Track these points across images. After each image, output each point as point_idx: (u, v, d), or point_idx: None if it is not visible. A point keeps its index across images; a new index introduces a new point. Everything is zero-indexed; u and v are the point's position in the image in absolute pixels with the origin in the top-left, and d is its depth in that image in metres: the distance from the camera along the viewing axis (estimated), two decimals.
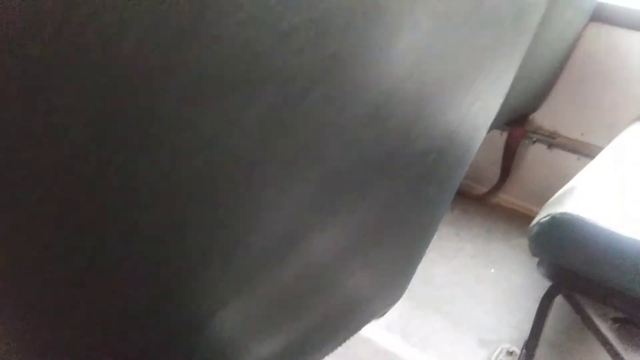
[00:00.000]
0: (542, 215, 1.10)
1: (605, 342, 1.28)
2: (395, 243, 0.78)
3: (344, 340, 0.90)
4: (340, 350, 1.27)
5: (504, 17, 0.54)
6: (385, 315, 1.39)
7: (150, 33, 0.23)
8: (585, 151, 1.70)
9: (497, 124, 1.59)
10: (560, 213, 1.06)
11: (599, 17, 1.58)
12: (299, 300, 0.67)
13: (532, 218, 1.11)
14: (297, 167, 0.41)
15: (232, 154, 0.33)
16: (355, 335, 1.29)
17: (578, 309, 1.28)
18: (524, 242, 1.15)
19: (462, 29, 0.48)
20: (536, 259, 1.17)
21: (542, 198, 1.20)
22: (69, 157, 0.25)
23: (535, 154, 1.83)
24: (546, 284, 1.21)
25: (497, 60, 0.60)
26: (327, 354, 0.89)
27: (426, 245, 0.88)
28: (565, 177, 1.26)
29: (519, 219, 1.83)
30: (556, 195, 1.17)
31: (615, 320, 1.47)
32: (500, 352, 1.37)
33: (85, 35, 0.22)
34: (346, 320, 0.85)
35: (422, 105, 0.52)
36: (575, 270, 1.12)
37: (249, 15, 0.27)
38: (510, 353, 1.38)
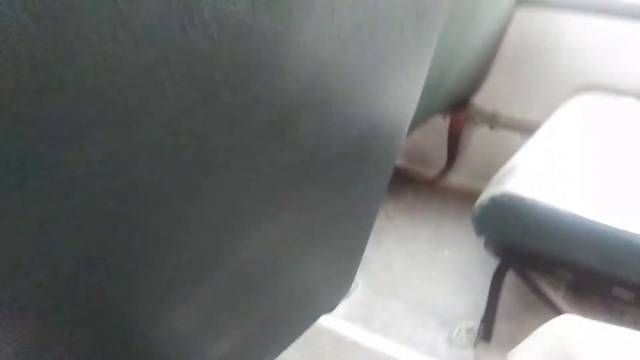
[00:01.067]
0: (484, 196, 1.14)
1: (557, 311, 1.33)
2: (334, 239, 0.80)
3: (298, 335, 0.92)
4: (301, 343, 1.29)
5: (401, 22, 0.56)
6: (345, 305, 1.42)
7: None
8: (528, 128, 1.75)
9: (439, 110, 1.62)
10: (500, 193, 1.10)
11: (525, 0, 1.64)
12: (242, 302, 0.69)
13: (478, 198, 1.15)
14: (202, 191, 0.43)
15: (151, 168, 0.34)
16: (316, 327, 1.32)
17: (528, 282, 1.32)
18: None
19: (356, 37, 0.50)
20: (481, 237, 1.21)
21: (489, 177, 1.24)
22: None
23: (478, 136, 1.88)
24: (496, 260, 1.25)
25: (404, 60, 0.62)
26: (282, 349, 0.91)
27: (366, 238, 0.90)
28: (509, 155, 1.30)
29: (469, 199, 1.86)
30: (496, 175, 1.20)
31: (568, 287, 1.53)
32: (459, 330, 1.41)
33: None
34: (295, 315, 0.87)
35: (328, 112, 0.53)
36: (520, 246, 1.16)
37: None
38: (469, 329, 1.42)
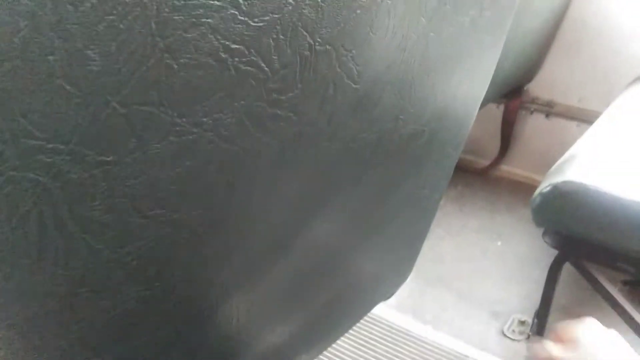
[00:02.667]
0: (544, 185, 1.10)
1: (615, 305, 1.29)
2: (398, 224, 0.79)
3: (355, 323, 0.92)
4: (352, 331, 1.28)
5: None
6: (396, 295, 1.41)
7: None
8: (584, 117, 1.69)
9: (493, 98, 1.59)
10: (562, 181, 1.06)
11: None
12: (306, 287, 0.68)
13: (535, 188, 1.11)
14: (287, 162, 0.42)
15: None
16: (367, 317, 1.31)
17: (586, 275, 1.28)
18: (528, 212, 1.15)
19: (438, 11, 0.49)
20: (541, 229, 1.17)
21: (544, 167, 1.20)
22: None
23: (533, 124, 1.82)
24: (553, 252, 1.21)
25: (480, 39, 0.60)
26: (339, 336, 0.90)
27: (429, 224, 0.88)
28: (565, 145, 1.26)
29: (522, 189, 1.84)
30: (557, 163, 1.17)
31: (624, 282, 1.48)
32: (512, 322, 1.38)
33: None
34: (355, 302, 0.86)
35: (408, 90, 0.52)
36: (581, 237, 1.12)
37: None
38: (522, 322, 1.39)
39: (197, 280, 0.40)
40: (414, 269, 1.47)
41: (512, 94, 1.74)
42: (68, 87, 0.23)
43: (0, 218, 0.24)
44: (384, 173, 0.61)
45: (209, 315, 0.46)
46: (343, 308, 0.83)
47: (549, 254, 1.23)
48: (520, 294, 1.45)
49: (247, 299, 0.53)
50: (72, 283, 0.29)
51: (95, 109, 0.24)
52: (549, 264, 1.24)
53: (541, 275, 1.26)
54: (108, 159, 0.26)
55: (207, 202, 0.34)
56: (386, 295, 0.96)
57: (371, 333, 1.31)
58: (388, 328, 1.33)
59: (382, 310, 1.36)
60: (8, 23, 0.20)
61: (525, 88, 1.76)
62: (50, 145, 0.24)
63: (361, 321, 1.24)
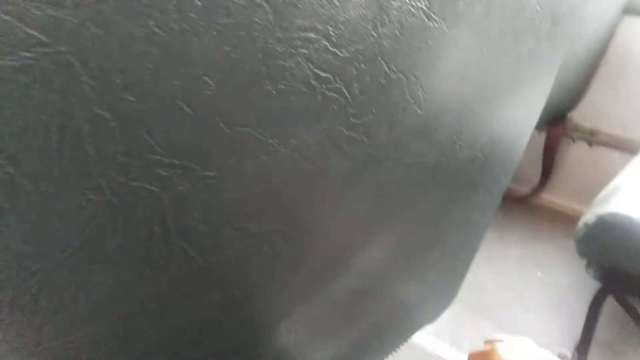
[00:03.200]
0: (589, 215, 1.09)
1: None
2: (446, 249, 0.80)
3: (399, 345, 0.92)
4: (392, 356, 1.28)
5: (538, 27, 0.56)
6: (435, 322, 1.40)
7: None
8: (628, 147, 1.67)
9: (536, 124, 1.58)
10: (609, 213, 1.05)
11: (633, 9, 1.57)
12: (357, 306, 0.70)
13: (577, 218, 1.10)
14: (355, 182, 0.44)
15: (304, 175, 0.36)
16: (406, 342, 1.30)
17: (630, 310, 1.26)
18: (569, 243, 1.14)
19: (499, 41, 0.51)
20: (584, 260, 1.16)
21: (586, 197, 1.19)
22: None
23: (576, 153, 1.81)
24: (595, 285, 1.20)
25: (536, 68, 0.62)
26: (384, 357, 0.91)
27: (476, 250, 0.89)
28: (608, 175, 1.25)
29: (563, 219, 1.82)
30: (601, 194, 1.16)
31: None
32: None
33: None
34: (401, 324, 0.87)
35: (467, 115, 0.54)
36: (626, 271, 1.11)
37: None
38: (562, 357, 1.36)
39: (269, 291, 0.42)
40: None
41: (555, 121, 1.73)
42: (187, 109, 0.26)
43: (118, 225, 0.27)
44: (438, 197, 0.63)
45: (273, 327, 0.48)
46: (389, 329, 0.84)
47: (591, 287, 1.21)
48: (560, 327, 1.42)
49: (306, 315, 0.55)
50: (168, 286, 0.32)
51: (206, 129, 0.27)
52: (591, 297, 1.22)
53: (583, 309, 1.24)
54: (211, 174, 0.29)
55: (286, 217, 0.37)
56: (430, 319, 0.96)
57: (407, 358, 1.30)
58: (424, 354, 1.32)
59: (421, 337, 1.35)
60: (144, 53, 0.23)
61: (568, 115, 1.76)
62: (167, 160, 0.26)
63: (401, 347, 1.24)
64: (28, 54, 0.20)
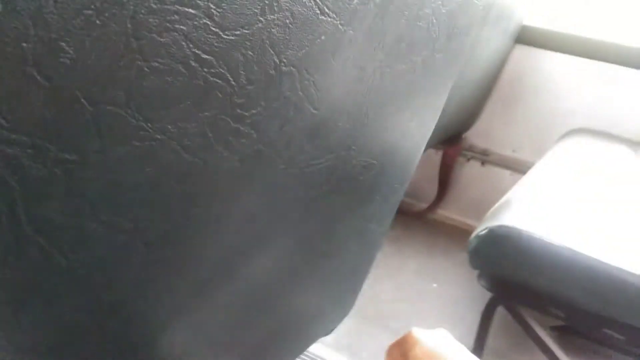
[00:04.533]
0: (480, 228, 1.14)
1: (546, 350, 1.33)
2: (343, 256, 0.79)
3: (295, 358, 0.90)
4: None
5: (434, 39, 0.57)
6: (333, 333, 1.40)
7: None
8: (517, 167, 1.78)
9: (432, 143, 1.64)
10: (498, 225, 1.10)
11: (524, 39, 1.68)
12: (248, 317, 0.67)
13: (471, 232, 1.15)
14: (244, 181, 0.42)
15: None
16: (304, 354, 1.29)
17: (519, 319, 1.32)
18: (463, 256, 1.18)
19: (395, 48, 0.51)
20: (476, 272, 1.21)
21: (479, 213, 1.24)
22: None
23: (470, 171, 1.90)
24: (487, 295, 1.25)
25: (430, 79, 0.63)
26: None
27: (372, 260, 0.89)
28: (499, 192, 1.31)
29: (458, 233, 1.89)
30: (493, 208, 1.21)
31: (552, 328, 1.53)
32: None
33: None
34: (297, 336, 0.85)
35: (361, 120, 0.53)
36: (515, 281, 1.16)
37: None
38: None
39: (148, 296, 0.39)
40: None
41: (451, 141, 1.81)
42: (38, 77, 0.22)
43: None
44: (333, 203, 0.62)
45: (155, 336, 0.45)
46: (284, 340, 0.81)
47: (483, 298, 1.26)
48: (455, 335, 1.47)
49: (192, 323, 0.51)
50: (19, 287, 0.28)
51: (63, 102, 0.24)
52: (483, 306, 1.27)
53: (475, 318, 1.29)
54: (70, 157, 0.26)
55: (164, 212, 0.34)
56: (327, 331, 0.95)
57: None
58: None
59: (319, 349, 1.34)
60: None
61: (463, 136, 1.84)
62: (14, 136, 0.23)
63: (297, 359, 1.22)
64: None
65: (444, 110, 0.73)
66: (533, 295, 1.16)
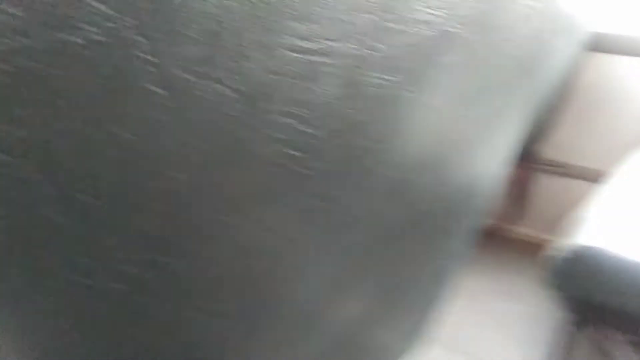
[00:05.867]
0: (559, 247, 1.10)
1: None
2: (415, 294, 0.79)
3: None
4: None
5: (514, 83, 0.56)
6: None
7: None
8: (595, 178, 1.71)
9: None
10: (582, 246, 1.06)
11: (596, 46, 1.62)
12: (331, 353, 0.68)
13: (546, 249, 1.11)
14: (326, 248, 0.43)
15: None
16: None
17: (598, 340, 1.27)
18: (538, 273, 1.15)
19: (476, 99, 0.51)
20: (555, 292, 1.17)
21: (556, 228, 1.20)
22: None
23: (544, 185, 1.84)
24: (566, 315, 1.20)
25: (510, 117, 0.63)
26: None
27: (446, 293, 0.89)
28: (576, 206, 1.27)
29: (533, 250, 1.83)
30: (570, 225, 1.17)
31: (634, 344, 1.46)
32: None
33: None
34: None
35: (441, 171, 0.54)
36: (595, 301, 1.12)
37: None
38: None
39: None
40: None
41: (525, 154, 1.76)
42: (154, 209, 0.24)
43: None
44: (412, 242, 0.62)
45: None
46: None
47: (562, 318, 1.22)
48: (525, 356, 1.43)
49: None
50: None
51: (185, 218, 0.26)
52: (559, 327, 1.23)
53: (551, 338, 1.25)
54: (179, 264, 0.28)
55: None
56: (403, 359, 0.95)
57: None
58: None
59: None
60: (113, 158, 0.22)
61: (536, 148, 1.79)
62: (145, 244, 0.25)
63: None
64: None
65: None
66: (616, 316, 1.12)
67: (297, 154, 0.30)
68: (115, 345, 0.30)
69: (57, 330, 0.27)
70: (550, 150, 1.80)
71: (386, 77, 0.34)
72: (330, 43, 0.29)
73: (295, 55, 0.27)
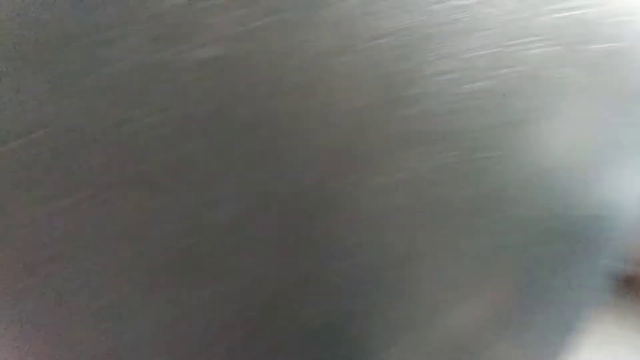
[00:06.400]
0: None
1: None
2: (550, 315, 0.74)
3: None
4: None
5: None
6: None
7: None
8: None
9: None
10: None
11: None
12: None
13: None
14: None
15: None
16: None
17: None
18: None
19: (619, 104, 0.49)
20: None
21: None
22: None
23: None
24: None
25: None
26: None
27: (583, 325, 0.82)
28: None
29: None
30: None
31: None
32: None
33: None
34: None
35: (584, 173, 0.52)
36: None
37: None
38: None
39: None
40: None
41: None
42: None
43: None
44: (550, 252, 0.60)
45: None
46: None
47: None
48: None
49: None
50: None
51: None
52: None
53: None
54: None
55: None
56: None
57: None
58: None
59: None
60: None
61: None
62: None
63: None
64: None
65: None
66: None
67: None
68: None
69: None
70: None
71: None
72: None
73: None
